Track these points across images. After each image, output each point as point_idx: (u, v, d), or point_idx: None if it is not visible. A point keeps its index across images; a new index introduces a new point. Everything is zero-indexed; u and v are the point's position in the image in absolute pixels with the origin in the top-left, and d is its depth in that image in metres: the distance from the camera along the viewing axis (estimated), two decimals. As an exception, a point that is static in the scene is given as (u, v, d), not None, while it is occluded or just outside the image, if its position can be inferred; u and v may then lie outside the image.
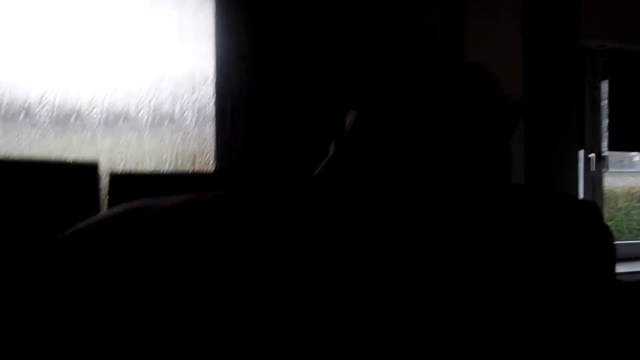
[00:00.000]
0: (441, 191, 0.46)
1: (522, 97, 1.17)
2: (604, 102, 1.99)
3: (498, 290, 0.52)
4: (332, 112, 0.56)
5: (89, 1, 1.60)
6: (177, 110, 1.70)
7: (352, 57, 1.81)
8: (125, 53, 1.64)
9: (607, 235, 0.58)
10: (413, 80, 0.49)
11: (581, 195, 1.98)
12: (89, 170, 1.32)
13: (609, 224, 2.46)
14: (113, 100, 1.62)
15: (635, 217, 2.58)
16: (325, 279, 0.44)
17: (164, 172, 1.67)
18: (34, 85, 1.54)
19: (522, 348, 0.50)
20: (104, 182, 1.48)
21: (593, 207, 0.61)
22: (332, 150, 0.52)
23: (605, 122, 2.00)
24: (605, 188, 2.13)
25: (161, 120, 1.68)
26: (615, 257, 0.58)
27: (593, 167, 1.99)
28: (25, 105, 1.53)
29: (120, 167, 1.63)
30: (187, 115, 1.72)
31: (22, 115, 1.52)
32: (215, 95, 1.74)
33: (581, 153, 1.98)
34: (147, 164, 1.66)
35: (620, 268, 1.85)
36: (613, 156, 2.73)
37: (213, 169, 1.74)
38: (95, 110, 1.61)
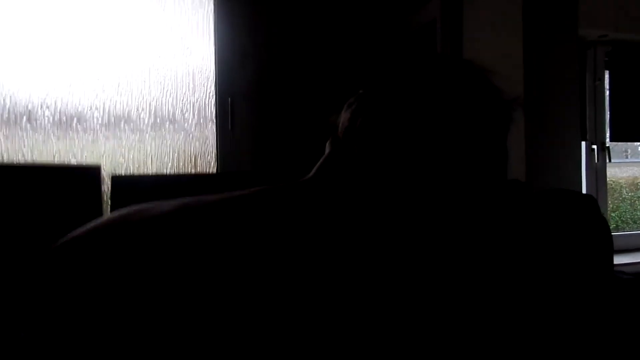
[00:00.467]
0: (438, 188, 0.46)
1: (521, 93, 1.17)
2: (607, 93, 1.98)
3: (496, 285, 0.53)
4: (335, 111, 0.56)
5: (88, 4, 1.60)
6: (178, 112, 1.71)
7: (353, 54, 1.80)
8: (125, 55, 1.64)
9: (604, 228, 0.58)
10: (409, 78, 0.49)
11: (584, 187, 1.97)
12: (91, 173, 1.32)
13: (613, 214, 2.45)
14: (114, 102, 1.63)
15: (639, 207, 2.57)
16: (322, 281, 0.44)
17: (166, 174, 1.67)
18: (35, 90, 1.55)
19: (521, 342, 0.50)
20: (106, 185, 1.49)
21: (590, 200, 0.61)
22: (327, 149, 0.52)
23: (607, 113, 1.99)
24: (609, 179, 2.12)
25: (162, 121, 1.69)
26: (612, 250, 0.58)
27: (596, 159, 1.98)
28: (27, 110, 1.54)
29: (122, 170, 1.64)
30: (188, 116, 1.72)
31: (24, 120, 1.53)
32: (216, 95, 1.74)
33: (584, 144, 1.98)
34: (149, 166, 1.67)
35: (625, 259, 1.86)
36: (617, 147, 2.72)
37: (215, 170, 1.75)
38: (96, 113, 1.61)
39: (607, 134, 2.00)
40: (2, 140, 1.51)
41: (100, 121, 1.61)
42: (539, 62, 1.19)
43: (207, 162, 1.75)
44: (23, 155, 1.53)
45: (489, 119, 0.48)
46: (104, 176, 1.53)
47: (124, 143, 1.64)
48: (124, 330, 0.39)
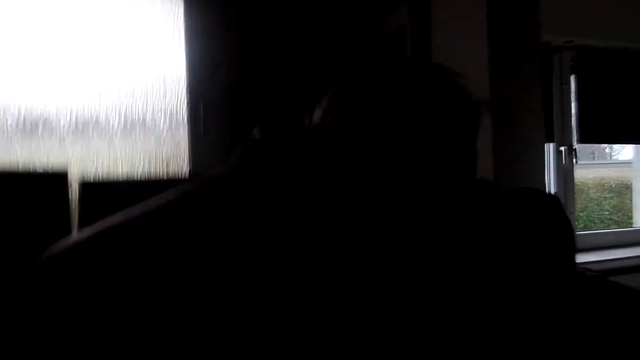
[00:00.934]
0: (405, 187, 0.46)
1: (487, 96, 1.19)
2: (573, 97, 2.05)
3: (461, 282, 0.53)
4: (307, 113, 0.56)
5: (55, 7, 1.56)
6: (149, 115, 1.68)
7: (323, 58, 1.81)
8: (94, 58, 1.61)
9: (567, 226, 0.59)
10: (379, 77, 0.49)
11: (553, 188, 2.03)
12: (57, 179, 1.29)
13: (581, 214, 2.52)
14: (82, 106, 1.59)
15: (606, 207, 2.66)
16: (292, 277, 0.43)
17: (136, 178, 1.64)
18: (-2, 94, 1.50)
19: (485, 339, 0.50)
20: (74, 191, 1.45)
21: (554, 199, 0.62)
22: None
23: (574, 116, 2.05)
24: (577, 180, 2.18)
25: (133, 125, 1.65)
26: (575, 248, 0.59)
27: (564, 160, 2.04)
28: (-10, 115, 1.49)
29: (91, 176, 1.60)
30: (159, 120, 1.69)
31: (-14, 126, 1.48)
32: (187, 98, 1.72)
33: (552, 146, 2.03)
34: (120, 171, 1.63)
35: (592, 257, 1.91)
36: (584, 149, 2.81)
37: (187, 173, 1.72)
38: (63, 117, 1.57)
39: (574, 137, 2.06)
40: (-38, 146, 1.46)
41: (67, 127, 1.57)
42: (504, 67, 1.22)
43: (179, 166, 1.72)
44: (-15, 161, 1.48)
45: (457, 120, 0.49)
46: (71, 182, 1.49)
47: (92, 149, 1.60)
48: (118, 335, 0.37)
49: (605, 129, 2.08)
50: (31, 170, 1.49)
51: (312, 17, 1.84)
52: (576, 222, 2.17)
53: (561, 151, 2.03)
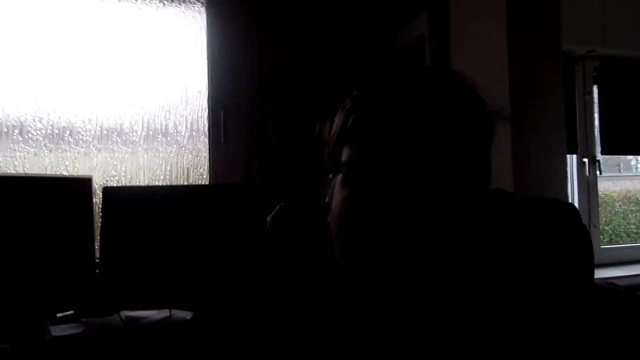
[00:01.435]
0: (422, 194, 0.46)
1: (507, 106, 1.18)
2: (596, 107, 2.01)
3: (479, 292, 0.53)
4: (327, 117, 0.57)
5: (81, 17, 1.62)
6: (170, 124, 1.72)
7: (344, 66, 1.83)
8: (118, 68, 1.66)
9: (584, 236, 0.59)
10: (398, 83, 0.50)
11: (576, 200, 1.98)
12: (82, 184, 1.33)
13: (607, 228, 2.46)
14: (107, 115, 1.64)
15: (632, 220, 2.58)
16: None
17: (158, 185, 1.67)
18: (28, 102, 1.56)
19: (502, 347, 0.50)
20: (98, 196, 1.49)
21: (571, 208, 0.62)
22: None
23: (597, 127, 2.01)
24: (601, 192, 2.13)
25: (155, 134, 1.69)
26: (592, 257, 0.58)
27: (587, 172, 2.00)
28: (20, 122, 1.54)
29: (114, 182, 1.64)
30: (180, 128, 1.73)
31: (16, 132, 1.54)
32: (208, 108, 1.76)
33: (574, 158, 1.99)
34: (142, 178, 1.67)
35: (619, 272, 1.86)
36: (610, 161, 2.74)
37: (207, 182, 1.75)
38: (89, 125, 1.62)
39: (598, 148, 2.02)
40: (-6, 152, 1.51)
41: (92, 134, 1.62)
42: (524, 76, 1.21)
43: (199, 174, 1.75)
44: (15, 167, 1.53)
45: (470, 128, 0.49)
46: (95, 188, 1.53)
47: (116, 155, 1.64)
48: None
49: (628, 140, 2.04)
50: (58, 175, 1.54)
51: (333, 24, 1.86)
52: (601, 236, 2.11)
53: (584, 162, 2.00)
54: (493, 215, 0.59)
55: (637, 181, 2.80)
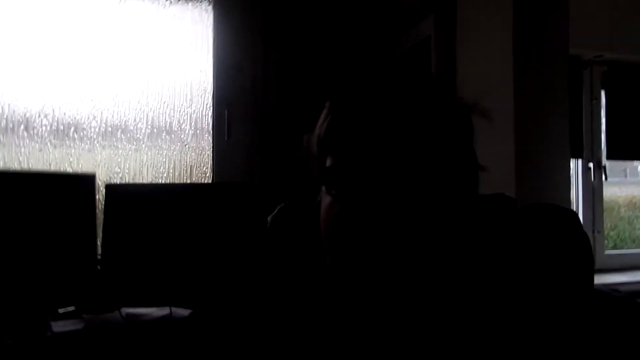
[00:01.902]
0: (401, 202, 0.46)
1: (510, 108, 1.18)
2: (603, 112, 1.99)
3: (478, 297, 0.53)
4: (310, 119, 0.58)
5: (87, 14, 1.63)
6: (175, 122, 1.72)
7: (347, 67, 1.82)
8: (123, 65, 1.67)
9: (584, 242, 0.58)
10: (364, 96, 0.51)
11: (581, 205, 1.97)
12: (85, 181, 1.34)
13: (612, 233, 2.44)
14: (111, 112, 1.65)
15: (637, 226, 2.56)
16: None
17: (160, 183, 1.68)
18: (34, 98, 1.57)
19: (502, 354, 0.50)
20: (101, 193, 1.50)
21: (572, 215, 0.61)
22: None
23: (604, 132, 2.00)
24: (607, 198, 2.12)
25: (159, 132, 1.70)
26: (593, 264, 0.58)
27: (592, 177, 1.99)
28: (25, 118, 1.55)
29: (117, 179, 1.65)
30: (184, 126, 1.74)
31: (21, 128, 1.55)
32: (213, 106, 1.76)
33: (579, 163, 1.98)
34: (145, 175, 1.67)
35: (623, 277, 1.84)
36: (616, 166, 2.72)
37: (210, 180, 1.75)
38: (93, 122, 1.63)
39: (604, 153, 2.01)
40: (-1, 148, 1.52)
41: (97, 130, 1.63)
42: (529, 80, 1.21)
43: (202, 172, 1.75)
44: (20, 163, 1.54)
45: (441, 125, 0.49)
46: (99, 184, 1.54)
47: (120, 152, 1.65)
48: None
49: (634, 145, 2.02)
50: (61, 172, 1.55)
51: (339, 25, 1.85)
52: (606, 241, 2.10)
53: (589, 168, 1.98)
54: (488, 219, 0.58)
55: (643, 187, 2.77)
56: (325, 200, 0.51)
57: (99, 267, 1.32)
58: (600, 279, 1.79)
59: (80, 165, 1.60)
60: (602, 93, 1.99)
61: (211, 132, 1.75)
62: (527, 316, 0.51)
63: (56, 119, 1.58)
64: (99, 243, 1.34)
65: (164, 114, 1.71)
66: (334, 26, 1.85)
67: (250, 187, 1.55)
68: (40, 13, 1.58)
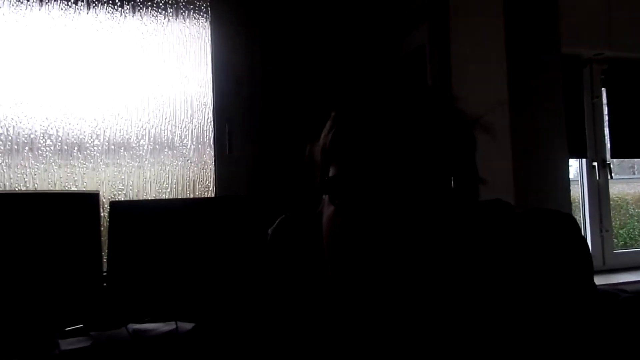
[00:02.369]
0: (404, 212, 0.46)
1: (506, 111, 1.18)
2: (605, 110, 1.98)
3: (476, 304, 0.53)
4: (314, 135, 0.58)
5: (88, 34, 1.66)
6: (176, 138, 1.74)
7: (347, 78, 1.83)
8: (124, 83, 1.69)
9: (583, 248, 0.58)
10: (368, 108, 0.51)
11: (586, 205, 1.96)
12: (90, 199, 1.35)
13: (621, 231, 2.41)
14: (114, 130, 1.67)
15: (647, 223, 2.53)
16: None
17: (163, 199, 1.69)
18: (37, 120, 1.59)
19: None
20: (105, 210, 1.51)
21: (570, 220, 0.61)
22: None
23: (607, 130, 1.98)
24: (615, 195, 2.10)
25: (161, 147, 1.72)
26: (592, 269, 0.57)
27: (597, 175, 1.97)
28: (30, 139, 1.58)
29: (121, 196, 1.66)
30: (186, 142, 1.75)
31: (26, 149, 1.57)
32: (213, 121, 1.78)
33: (584, 162, 1.97)
34: (149, 191, 1.69)
35: (633, 276, 1.82)
36: (624, 163, 2.69)
37: (213, 194, 1.76)
38: (96, 141, 1.65)
39: (608, 151, 2.00)
40: (4, 169, 1.54)
41: (100, 149, 1.64)
42: (523, 82, 1.21)
43: (205, 186, 1.77)
44: (25, 183, 1.56)
45: (447, 140, 0.49)
46: (103, 202, 1.55)
47: (123, 169, 1.66)
48: None
49: (638, 143, 2.00)
50: (66, 191, 1.57)
51: (335, 37, 1.87)
52: (615, 240, 2.08)
53: (594, 166, 1.97)
54: (486, 226, 0.58)
55: (652, 183, 2.74)
56: (328, 210, 0.52)
57: (104, 284, 1.33)
58: (608, 279, 1.77)
59: (84, 184, 1.62)
60: (603, 91, 1.98)
61: (213, 146, 1.77)
62: (530, 321, 0.51)
63: (60, 139, 1.61)
64: (104, 260, 1.35)
65: (166, 130, 1.73)
66: (331, 37, 1.86)
67: (253, 200, 1.56)
68: (42, 34, 1.61)
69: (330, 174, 0.51)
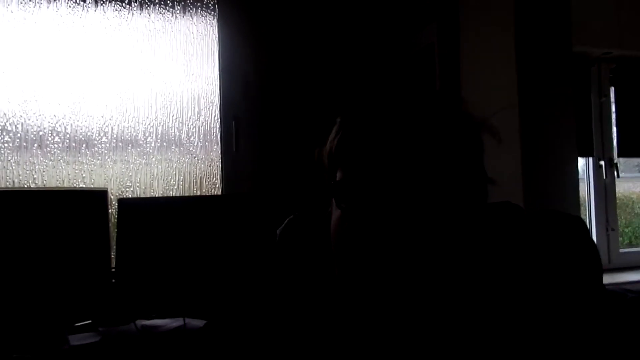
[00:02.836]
0: (410, 216, 0.47)
1: (515, 110, 1.18)
2: (613, 109, 1.97)
3: (485, 307, 0.53)
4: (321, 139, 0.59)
5: (95, 32, 1.66)
6: (183, 135, 1.75)
7: (354, 77, 1.83)
8: (131, 81, 1.69)
9: (592, 251, 0.58)
10: (374, 112, 0.51)
11: (593, 204, 1.95)
12: (98, 196, 1.36)
13: (626, 230, 2.41)
14: (121, 127, 1.67)
15: (653, 222, 2.52)
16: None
17: (171, 196, 1.70)
18: (46, 117, 1.60)
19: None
20: (113, 207, 1.52)
21: (579, 222, 0.61)
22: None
23: (614, 129, 1.98)
24: (621, 193, 2.09)
25: (168, 145, 1.72)
26: (601, 272, 0.58)
27: (604, 175, 1.96)
28: (38, 136, 1.59)
29: (129, 192, 1.67)
30: (193, 139, 1.76)
31: (35, 146, 1.58)
32: (220, 118, 1.78)
33: (591, 161, 1.96)
34: (156, 188, 1.70)
35: (637, 276, 1.82)
36: (629, 161, 2.68)
37: (220, 191, 1.77)
38: (104, 138, 1.66)
39: (615, 150, 1.99)
40: (13, 166, 1.56)
41: (108, 146, 1.65)
42: (533, 81, 1.20)
43: (212, 183, 1.77)
44: (34, 180, 1.57)
45: (452, 144, 0.50)
46: (111, 199, 1.56)
47: (131, 166, 1.67)
48: None
49: (646, 142, 2.00)
50: (74, 188, 1.58)
51: (343, 35, 1.86)
52: (620, 238, 2.07)
53: (601, 165, 1.96)
54: (495, 229, 0.58)
55: (658, 182, 2.72)
56: (336, 213, 0.52)
57: (113, 281, 1.34)
58: (614, 278, 1.77)
59: (92, 181, 1.63)
60: (612, 90, 1.97)
61: (220, 143, 1.77)
62: (539, 323, 0.51)
63: (68, 136, 1.61)
64: (112, 256, 1.36)
65: (173, 127, 1.73)
66: (339, 35, 1.86)
67: (260, 197, 1.57)
68: (49, 32, 1.61)
69: (337, 178, 0.52)
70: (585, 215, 1.98)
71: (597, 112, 1.95)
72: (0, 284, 1.20)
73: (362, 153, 0.49)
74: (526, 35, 1.22)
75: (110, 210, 1.47)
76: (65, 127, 1.61)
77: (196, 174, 1.75)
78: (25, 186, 1.55)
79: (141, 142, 1.69)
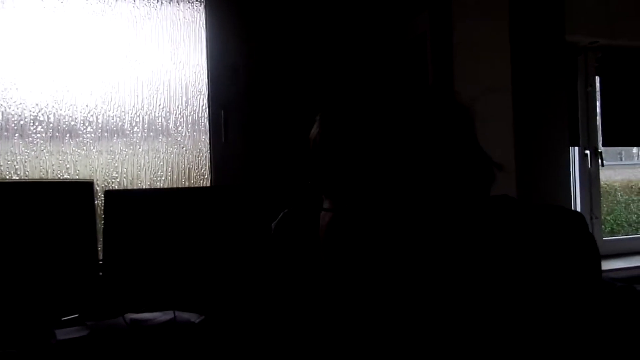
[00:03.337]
0: (421, 201, 0.46)
1: (509, 99, 1.18)
2: (598, 99, 2.00)
3: (483, 301, 0.53)
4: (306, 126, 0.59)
5: (79, 18, 1.61)
6: (171, 124, 1.71)
7: (344, 65, 1.81)
8: (116, 68, 1.65)
9: (591, 246, 0.58)
10: (361, 101, 0.51)
11: (578, 192, 1.98)
12: (84, 188, 1.33)
13: (608, 218, 2.46)
14: (107, 117, 1.63)
15: (634, 210, 2.58)
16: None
17: (159, 188, 1.67)
18: (27, 106, 1.55)
19: (506, 353, 0.50)
20: (100, 199, 1.49)
21: (579, 217, 0.61)
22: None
23: (599, 119, 2.00)
24: (603, 182, 2.13)
25: (155, 134, 1.69)
26: (600, 267, 0.58)
27: (589, 164, 1.99)
28: (20, 125, 1.54)
29: (115, 184, 1.64)
30: (181, 129, 1.72)
31: (16, 136, 1.53)
32: (209, 108, 1.75)
33: (576, 150, 1.99)
34: (143, 179, 1.67)
35: (620, 263, 1.86)
36: (611, 149, 2.72)
37: (209, 182, 1.75)
38: (89, 127, 1.61)
39: (600, 139, 2.02)
40: (-5, 157, 1.51)
41: (93, 135, 1.61)
42: (526, 70, 1.20)
43: (200, 174, 1.75)
44: (16, 171, 1.53)
45: (443, 134, 0.49)
46: (97, 190, 1.53)
47: (117, 157, 1.64)
48: None
49: (631, 131, 2.03)
50: (59, 179, 1.54)
51: (333, 24, 1.84)
52: (603, 227, 2.11)
53: (586, 154, 1.99)
54: (492, 223, 0.58)
55: (639, 170, 2.78)
56: (325, 204, 0.52)
57: (100, 274, 1.32)
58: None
59: (77, 171, 1.59)
60: (597, 80, 1.99)
61: (208, 133, 1.75)
62: (538, 318, 0.52)
63: (51, 125, 1.57)
64: (100, 249, 1.34)
65: (160, 117, 1.70)
66: (330, 24, 1.84)
67: (249, 189, 1.55)
68: (32, 18, 1.55)
69: (320, 174, 0.52)
70: (570, 203, 2.01)
71: (582, 102, 1.97)
72: (-17, 279, 1.17)
73: (342, 149, 0.50)
74: (520, 24, 1.22)
75: (96, 202, 1.43)
76: (48, 116, 1.56)
77: (184, 165, 1.72)
78: (7, 178, 1.51)
79: (127, 132, 1.65)
